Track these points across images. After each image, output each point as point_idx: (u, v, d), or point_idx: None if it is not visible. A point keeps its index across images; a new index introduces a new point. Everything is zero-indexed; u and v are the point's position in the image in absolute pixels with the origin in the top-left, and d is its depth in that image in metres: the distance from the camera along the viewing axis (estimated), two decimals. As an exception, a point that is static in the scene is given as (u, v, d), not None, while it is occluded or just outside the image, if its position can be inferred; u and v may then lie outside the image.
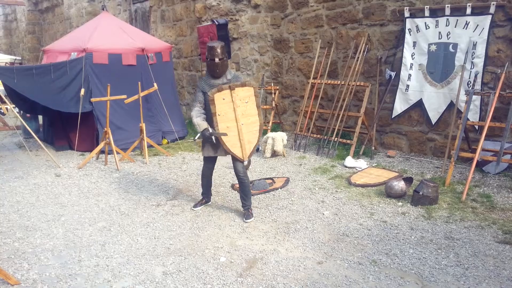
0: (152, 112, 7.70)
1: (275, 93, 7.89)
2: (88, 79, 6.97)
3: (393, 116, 6.76)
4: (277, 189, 5.40)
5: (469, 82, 5.83)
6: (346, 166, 6.25)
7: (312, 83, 7.41)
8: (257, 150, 6.97)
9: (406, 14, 6.36)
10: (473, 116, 5.77)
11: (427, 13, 6.13)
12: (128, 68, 7.35)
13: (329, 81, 7.28)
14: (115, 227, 4.42)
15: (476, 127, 5.81)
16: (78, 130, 6.92)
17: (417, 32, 6.29)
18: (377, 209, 4.70)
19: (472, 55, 5.79)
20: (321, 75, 7.39)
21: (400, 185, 4.96)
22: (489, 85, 5.71)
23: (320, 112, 7.47)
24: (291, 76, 8.41)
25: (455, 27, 5.89)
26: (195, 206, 4.85)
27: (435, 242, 3.93)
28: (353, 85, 6.85)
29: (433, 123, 6.34)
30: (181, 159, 6.98)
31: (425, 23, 6.18)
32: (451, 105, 6.06)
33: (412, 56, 6.42)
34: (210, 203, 4.95)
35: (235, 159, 4.47)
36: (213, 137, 4.38)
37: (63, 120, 7.40)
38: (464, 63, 5.83)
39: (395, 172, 5.81)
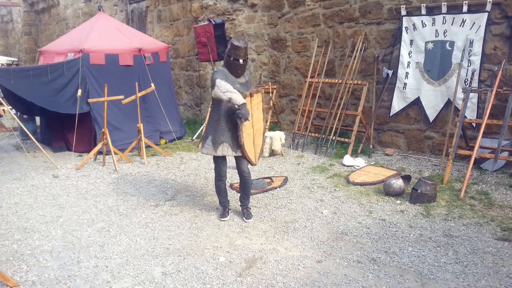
0: (149, 112, 7.69)
1: (272, 92, 7.89)
2: (85, 80, 6.94)
3: (390, 114, 6.77)
4: (275, 188, 5.40)
5: (466, 80, 5.84)
6: (344, 165, 6.26)
7: (309, 82, 7.42)
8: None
9: (403, 12, 6.37)
10: (470, 114, 5.79)
11: (423, 11, 6.14)
12: (125, 69, 7.34)
13: (326, 80, 7.29)
14: (113, 228, 4.41)
15: (474, 124, 5.82)
16: (75, 131, 6.90)
17: (414, 30, 6.30)
18: (375, 207, 4.71)
19: (469, 53, 5.80)
20: (318, 74, 7.39)
21: (398, 183, 4.97)
22: (486, 83, 5.72)
23: (318, 111, 7.47)
24: (289, 75, 8.40)
25: (452, 25, 5.90)
26: (223, 216, 4.56)
27: (434, 239, 3.93)
28: (351, 83, 6.86)
29: (431, 121, 6.35)
30: (179, 159, 6.97)
31: (422, 21, 6.19)
32: (448, 103, 6.08)
33: (409, 54, 6.43)
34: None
35: (239, 158, 4.42)
36: (242, 119, 4.06)
37: (61, 121, 7.38)
38: (461, 60, 5.84)
39: (393, 170, 5.82)
